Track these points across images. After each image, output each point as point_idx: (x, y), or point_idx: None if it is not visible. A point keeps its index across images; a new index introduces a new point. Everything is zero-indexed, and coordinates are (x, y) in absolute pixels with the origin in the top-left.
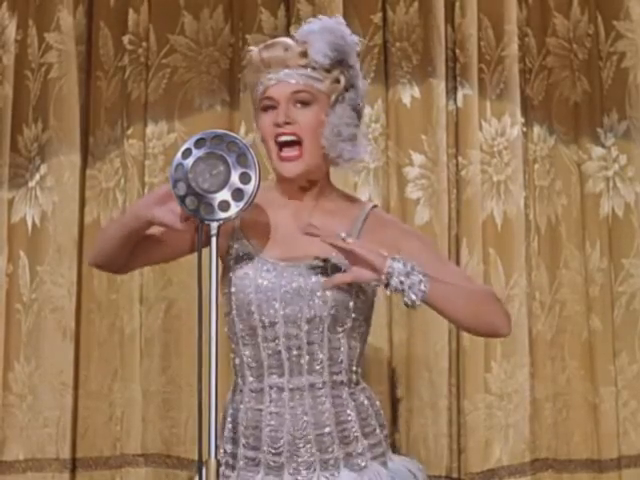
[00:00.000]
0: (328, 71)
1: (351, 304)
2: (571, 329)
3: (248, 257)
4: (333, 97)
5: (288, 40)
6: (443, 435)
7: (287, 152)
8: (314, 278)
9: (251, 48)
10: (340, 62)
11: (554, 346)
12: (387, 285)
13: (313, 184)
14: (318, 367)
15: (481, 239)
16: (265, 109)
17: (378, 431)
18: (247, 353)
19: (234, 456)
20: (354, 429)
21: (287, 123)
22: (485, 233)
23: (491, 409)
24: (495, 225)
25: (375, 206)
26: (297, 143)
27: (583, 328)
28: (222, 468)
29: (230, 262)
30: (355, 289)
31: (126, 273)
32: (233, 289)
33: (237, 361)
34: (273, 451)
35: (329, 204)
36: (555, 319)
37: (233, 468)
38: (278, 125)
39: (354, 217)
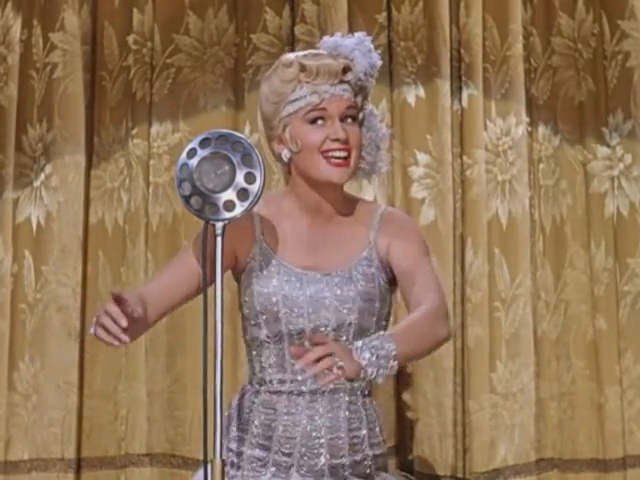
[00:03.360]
0: (360, 89)
1: (376, 311)
2: (576, 329)
3: (272, 265)
4: (361, 114)
5: (325, 52)
6: (448, 435)
7: (337, 160)
8: (340, 288)
9: (288, 56)
10: (367, 82)
11: (559, 346)
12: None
13: (335, 194)
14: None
15: (486, 239)
16: (314, 120)
17: (382, 444)
18: (271, 357)
19: (239, 455)
20: (363, 438)
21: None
22: (490, 233)
23: (496, 409)
24: (500, 225)
25: (387, 207)
26: (344, 157)
27: (588, 328)
28: (227, 467)
29: (253, 270)
30: (379, 297)
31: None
32: (259, 297)
33: (256, 363)
34: (284, 451)
35: (345, 210)
36: (560, 319)
37: (238, 467)
38: (338, 140)
39: (370, 221)
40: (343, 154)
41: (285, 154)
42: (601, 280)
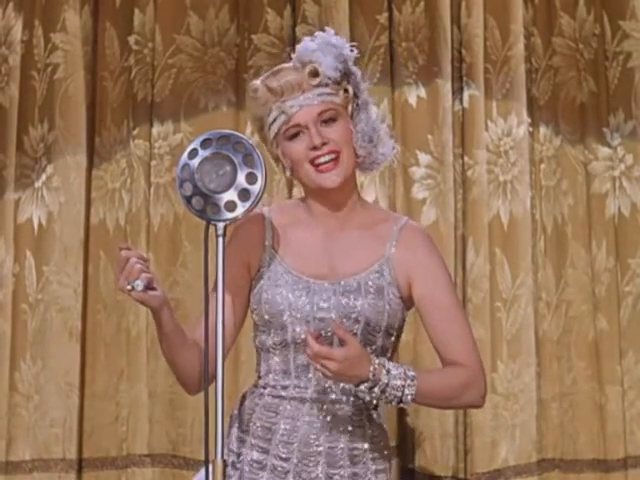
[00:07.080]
0: (338, 83)
1: (383, 324)
2: (577, 329)
3: (280, 274)
4: (350, 107)
5: (290, 64)
6: (449, 435)
7: (324, 165)
8: (346, 297)
9: (254, 82)
10: (345, 72)
11: (560, 346)
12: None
13: (345, 199)
14: (344, 384)
15: (487, 239)
16: (292, 137)
17: (386, 460)
18: (277, 363)
19: (239, 456)
20: (365, 451)
21: (324, 144)
22: (491, 233)
23: (497, 409)
24: (501, 225)
25: (408, 220)
26: (333, 159)
27: (589, 328)
28: (227, 468)
29: (262, 277)
30: (387, 311)
31: None
32: (266, 305)
33: (263, 367)
34: (282, 455)
35: (361, 218)
36: (561, 319)
37: (237, 468)
38: (316, 148)
39: (388, 233)
40: (327, 158)
41: (288, 171)
42: (602, 280)
